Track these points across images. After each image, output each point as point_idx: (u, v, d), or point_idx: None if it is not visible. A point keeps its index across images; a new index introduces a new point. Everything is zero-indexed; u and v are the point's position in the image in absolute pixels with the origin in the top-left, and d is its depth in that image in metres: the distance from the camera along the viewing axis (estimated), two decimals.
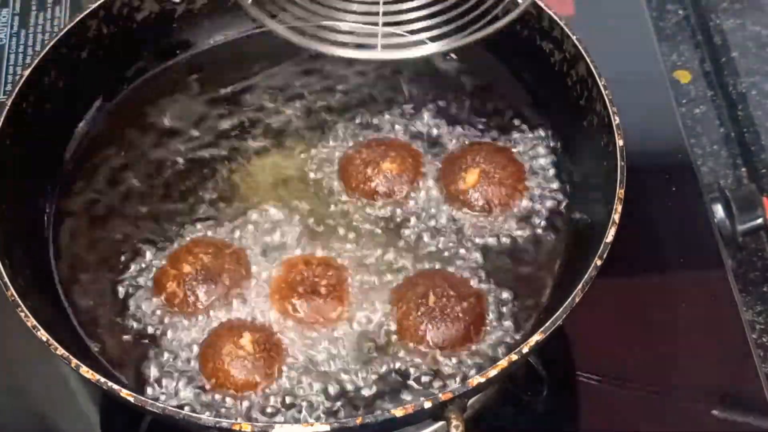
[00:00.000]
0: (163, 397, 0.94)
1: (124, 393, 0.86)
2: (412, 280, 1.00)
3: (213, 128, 1.13)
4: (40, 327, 0.90)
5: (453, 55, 1.17)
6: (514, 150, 1.09)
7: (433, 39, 0.93)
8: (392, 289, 1.00)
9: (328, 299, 0.98)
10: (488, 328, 0.98)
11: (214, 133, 1.13)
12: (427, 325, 0.96)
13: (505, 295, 1.00)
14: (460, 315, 0.97)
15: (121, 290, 1.01)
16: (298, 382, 0.95)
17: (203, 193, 1.08)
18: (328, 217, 1.06)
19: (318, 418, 0.93)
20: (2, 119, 1.01)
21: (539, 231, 1.04)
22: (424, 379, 0.96)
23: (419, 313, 0.97)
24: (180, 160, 1.11)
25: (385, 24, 0.93)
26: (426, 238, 1.04)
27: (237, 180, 1.09)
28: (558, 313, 0.89)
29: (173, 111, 1.15)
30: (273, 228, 1.05)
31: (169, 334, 0.98)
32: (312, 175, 1.09)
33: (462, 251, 1.03)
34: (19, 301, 0.91)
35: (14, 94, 1.03)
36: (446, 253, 1.03)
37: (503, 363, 0.87)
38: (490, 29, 0.94)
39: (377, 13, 0.92)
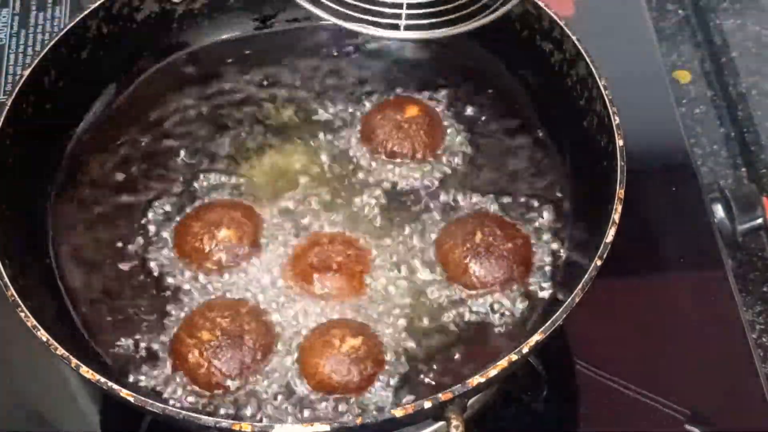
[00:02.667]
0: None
1: (124, 393, 0.86)
2: (462, 219, 1.02)
3: (213, 128, 1.13)
4: (40, 327, 0.89)
5: (451, 53, 1.17)
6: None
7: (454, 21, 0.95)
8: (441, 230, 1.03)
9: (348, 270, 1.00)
10: (534, 269, 1.01)
11: (214, 132, 1.13)
12: (471, 260, 0.99)
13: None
14: (505, 254, 0.99)
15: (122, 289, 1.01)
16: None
17: (203, 192, 1.08)
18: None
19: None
20: (2, 119, 1.01)
21: (538, 232, 1.04)
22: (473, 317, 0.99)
23: (464, 249, 0.99)
24: (180, 160, 1.11)
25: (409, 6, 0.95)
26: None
27: (237, 178, 1.09)
28: (558, 313, 0.89)
29: (173, 111, 1.15)
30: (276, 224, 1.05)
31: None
32: (313, 173, 1.09)
33: None
34: (19, 301, 0.91)
35: (14, 94, 1.03)
36: None
37: (503, 363, 0.87)
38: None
39: None
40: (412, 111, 1.09)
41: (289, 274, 1.01)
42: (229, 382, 0.94)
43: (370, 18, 1.07)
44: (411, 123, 1.08)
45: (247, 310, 0.97)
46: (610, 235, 0.93)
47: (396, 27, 1.03)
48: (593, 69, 1.03)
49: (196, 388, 0.94)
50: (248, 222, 1.03)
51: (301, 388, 0.95)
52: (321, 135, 1.12)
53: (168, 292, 1.01)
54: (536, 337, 0.88)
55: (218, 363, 0.94)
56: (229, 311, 0.97)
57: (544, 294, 1.00)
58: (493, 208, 1.05)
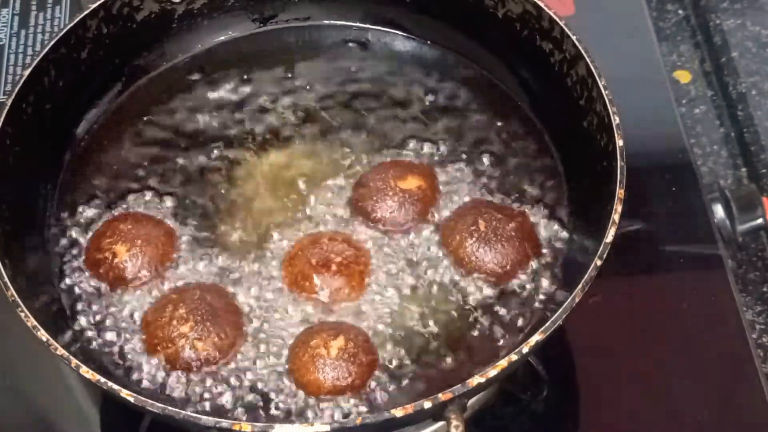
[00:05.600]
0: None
1: (124, 393, 0.86)
2: (458, 212, 1.03)
3: (213, 128, 1.13)
4: (40, 327, 0.89)
5: (452, 53, 1.17)
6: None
7: None
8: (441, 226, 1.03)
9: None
10: (542, 243, 1.02)
11: (214, 133, 1.13)
12: (483, 248, 0.99)
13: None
14: (513, 234, 1.00)
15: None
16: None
17: (204, 193, 1.08)
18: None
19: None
20: (2, 119, 1.01)
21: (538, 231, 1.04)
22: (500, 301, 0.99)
23: (473, 240, 0.99)
24: (180, 160, 1.11)
25: None
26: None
27: (236, 179, 1.09)
28: (558, 313, 0.89)
29: (173, 111, 1.15)
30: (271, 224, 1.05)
31: None
32: (313, 176, 1.09)
33: None
34: (19, 301, 0.91)
35: (14, 94, 1.03)
36: None
37: (503, 363, 0.87)
38: None
39: None
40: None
41: (286, 274, 1.01)
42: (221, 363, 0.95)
43: None
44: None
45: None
46: (610, 235, 0.92)
47: None
48: (593, 69, 1.03)
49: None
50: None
51: (296, 388, 0.95)
52: (321, 136, 1.12)
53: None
54: (536, 337, 0.88)
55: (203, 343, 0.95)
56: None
57: (547, 286, 1.00)
58: None
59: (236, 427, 0.84)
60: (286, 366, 0.96)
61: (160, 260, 1.01)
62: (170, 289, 1.00)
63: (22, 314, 0.90)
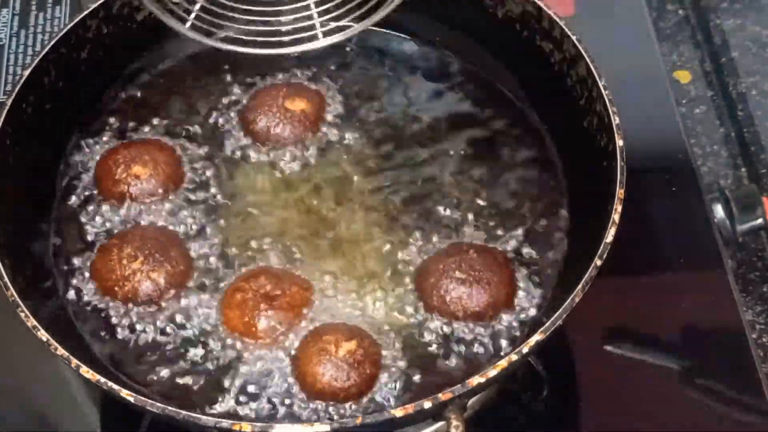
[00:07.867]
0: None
1: (124, 393, 0.86)
2: (436, 257, 1.01)
3: (214, 128, 1.13)
4: (40, 327, 0.90)
5: (452, 54, 1.17)
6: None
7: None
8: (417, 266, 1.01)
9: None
10: (520, 288, 1.00)
11: (214, 132, 1.13)
12: (459, 292, 0.97)
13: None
14: (491, 278, 0.98)
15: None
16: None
17: (204, 193, 1.08)
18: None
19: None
20: (2, 119, 1.01)
21: (539, 231, 1.04)
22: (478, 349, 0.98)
23: (449, 283, 0.98)
24: (183, 161, 1.11)
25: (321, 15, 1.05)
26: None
27: (238, 179, 1.09)
28: (558, 313, 0.89)
29: (173, 111, 1.15)
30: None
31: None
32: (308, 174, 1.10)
33: None
34: (19, 301, 0.91)
35: (14, 94, 1.03)
36: None
37: (503, 363, 0.87)
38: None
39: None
40: None
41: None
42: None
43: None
44: None
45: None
46: (610, 235, 0.93)
47: (315, 37, 1.07)
48: (593, 69, 1.03)
49: None
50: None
51: (297, 389, 0.95)
52: (325, 131, 1.12)
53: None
54: (536, 337, 0.88)
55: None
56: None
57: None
58: (491, 210, 1.06)
59: (236, 427, 0.84)
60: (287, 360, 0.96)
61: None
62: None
63: (22, 314, 0.90)
